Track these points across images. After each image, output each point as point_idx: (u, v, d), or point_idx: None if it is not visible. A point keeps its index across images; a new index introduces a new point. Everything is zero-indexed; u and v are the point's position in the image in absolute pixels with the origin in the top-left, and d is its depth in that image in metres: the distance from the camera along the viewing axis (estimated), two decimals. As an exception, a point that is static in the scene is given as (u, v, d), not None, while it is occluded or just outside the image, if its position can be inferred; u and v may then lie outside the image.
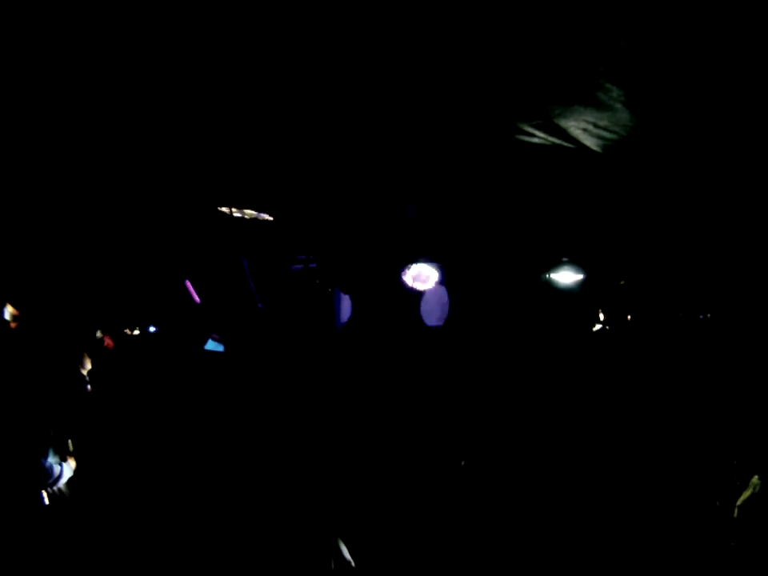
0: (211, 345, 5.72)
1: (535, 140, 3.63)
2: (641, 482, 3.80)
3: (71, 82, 3.00)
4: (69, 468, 3.42)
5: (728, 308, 5.45)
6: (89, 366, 4.78)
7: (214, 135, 3.90)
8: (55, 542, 3.13)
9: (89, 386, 4.86)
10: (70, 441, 3.68)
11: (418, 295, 6.22)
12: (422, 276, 6.60)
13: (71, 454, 3.60)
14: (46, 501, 3.22)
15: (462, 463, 4.10)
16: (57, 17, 2.37)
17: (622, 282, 5.59)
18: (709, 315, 5.61)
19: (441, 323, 5.82)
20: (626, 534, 3.36)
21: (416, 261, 6.24)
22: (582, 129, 3.17)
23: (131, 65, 2.81)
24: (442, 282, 6.35)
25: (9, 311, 5.75)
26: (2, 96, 3.12)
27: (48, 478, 3.28)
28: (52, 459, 3.30)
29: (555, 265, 5.60)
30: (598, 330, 5.84)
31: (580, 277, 5.60)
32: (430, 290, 6.41)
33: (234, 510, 3.09)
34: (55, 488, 3.29)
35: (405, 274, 6.50)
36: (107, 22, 2.43)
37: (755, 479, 2.50)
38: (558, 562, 3.28)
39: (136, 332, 6.41)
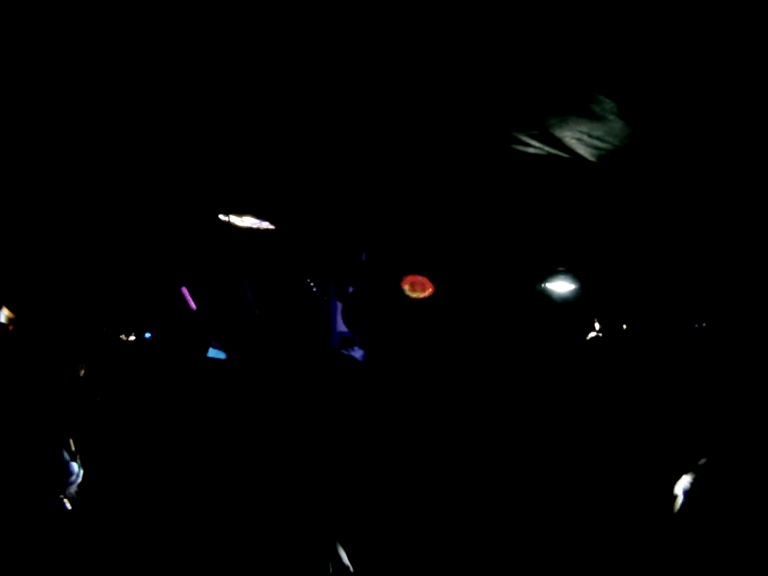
0: (212, 352, 5.72)
1: (531, 150, 3.67)
2: (637, 487, 3.81)
3: (73, 85, 3.02)
4: (80, 467, 3.44)
5: (723, 317, 5.47)
6: (83, 370, 4.79)
7: (215, 142, 3.92)
8: (66, 545, 3.13)
9: (84, 390, 4.86)
10: (72, 441, 3.70)
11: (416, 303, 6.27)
12: (417, 284, 6.64)
13: (76, 454, 3.62)
14: (68, 505, 3.22)
15: (459, 468, 4.11)
16: (57, 17, 2.38)
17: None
18: (704, 324, 5.64)
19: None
20: (624, 536, 3.35)
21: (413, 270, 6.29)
22: (577, 138, 3.20)
23: (133, 70, 2.83)
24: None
25: (5, 314, 5.75)
26: (3, 98, 3.14)
27: (69, 476, 3.29)
28: (68, 458, 3.32)
29: (550, 274, 5.63)
30: (592, 339, 5.85)
31: (574, 286, 5.63)
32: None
33: (233, 514, 3.09)
34: (72, 489, 3.29)
35: (402, 283, 6.54)
36: (108, 24, 2.45)
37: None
38: (559, 562, 3.28)
39: (132, 338, 6.42)
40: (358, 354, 5.73)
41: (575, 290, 5.52)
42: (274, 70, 2.82)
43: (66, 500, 3.26)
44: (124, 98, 3.21)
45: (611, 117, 2.86)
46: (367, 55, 2.62)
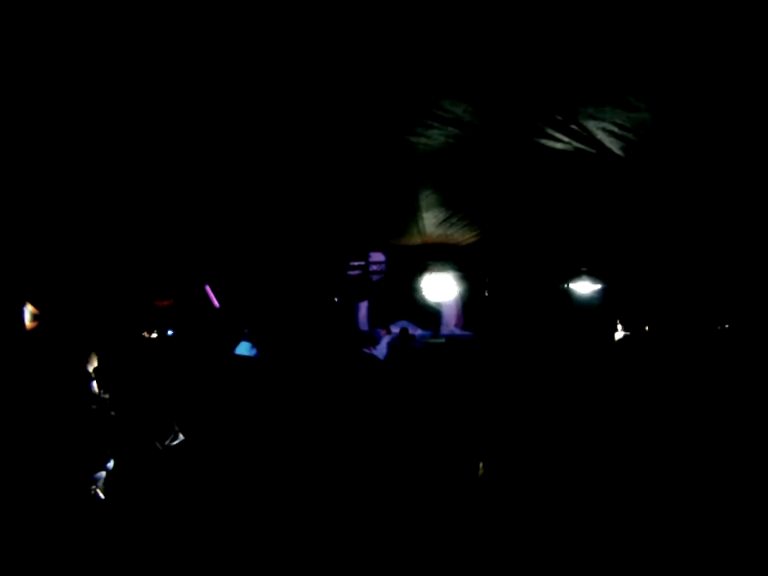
0: (243, 348, 5.74)
1: (558, 146, 3.70)
2: (658, 489, 3.77)
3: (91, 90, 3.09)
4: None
5: (745, 319, 5.44)
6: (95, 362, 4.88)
7: (236, 141, 3.98)
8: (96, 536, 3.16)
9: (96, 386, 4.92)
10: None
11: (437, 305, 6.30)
12: (440, 286, 6.65)
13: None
14: (101, 495, 3.27)
15: (480, 467, 4.09)
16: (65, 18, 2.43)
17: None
18: (726, 326, 5.61)
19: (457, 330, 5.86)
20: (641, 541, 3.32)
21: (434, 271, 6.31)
22: (607, 131, 3.24)
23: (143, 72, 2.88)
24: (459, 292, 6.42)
25: (29, 310, 5.82)
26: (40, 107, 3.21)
27: (103, 466, 3.37)
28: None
29: (574, 275, 5.62)
30: (616, 341, 5.83)
31: (598, 287, 5.62)
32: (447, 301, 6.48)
33: (243, 510, 3.12)
34: (101, 480, 3.36)
35: (422, 285, 6.56)
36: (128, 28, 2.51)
37: None
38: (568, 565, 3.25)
39: (154, 335, 6.47)
40: (379, 353, 5.75)
41: (597, 290, 5.51)
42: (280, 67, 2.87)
43: (98, 490, 3.30)
44: (151, 104, 3.29)
45: (643, 107, 2.90)
46: (374, 41, 2.64)
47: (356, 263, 6.84)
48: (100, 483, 3.45)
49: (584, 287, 5.58)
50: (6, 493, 3.15)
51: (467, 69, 2.79)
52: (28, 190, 4.94)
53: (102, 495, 3.36)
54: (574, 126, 3.25)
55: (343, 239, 6.30)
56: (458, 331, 6.61)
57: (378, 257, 7.47)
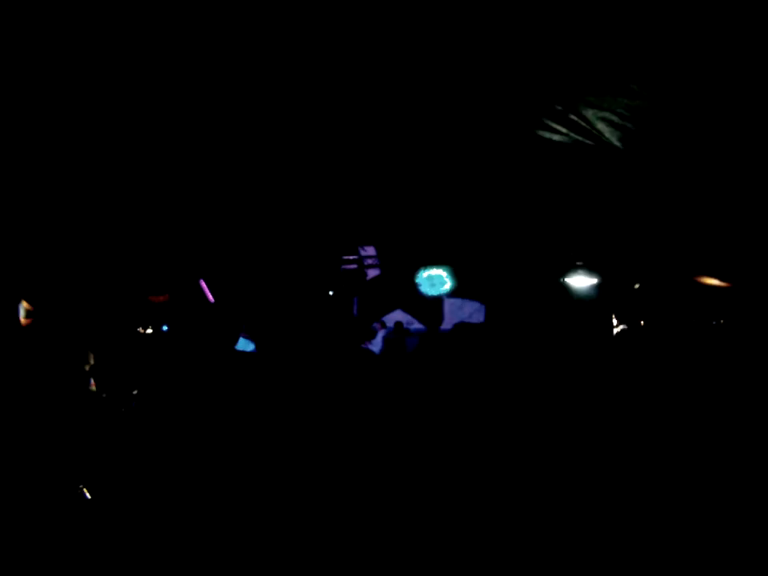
0: (240, 344, 5.70)
1: (556, 137, 3.69)
2: (652, 486, 3.78)
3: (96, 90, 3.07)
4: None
5: (742, 314, 5.45)
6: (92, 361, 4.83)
7: (230, 133, 3.97)
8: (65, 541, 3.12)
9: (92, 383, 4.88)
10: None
11: (433, 299, 6.31)
12: (437, 280, 6.67)
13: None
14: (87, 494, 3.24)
15: (468, 463, 4.08)
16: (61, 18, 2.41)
17: (637, 286, 5.56)
18: (722, 321, 5.61)
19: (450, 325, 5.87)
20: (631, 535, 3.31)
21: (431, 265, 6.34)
22: (606, 120, 3.23)
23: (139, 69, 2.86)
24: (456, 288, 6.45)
25: (24, 307, 5.77)
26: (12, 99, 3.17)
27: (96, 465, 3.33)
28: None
29: (570, 268, 5.63)
30: (611, 334, 5.84)
31: (594, 281, 5.62)
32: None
33: (237, 509, 3.09)
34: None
35: (420, 278, 6.60)
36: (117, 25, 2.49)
37: None
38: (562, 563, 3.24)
39: (149, 330, 6.43)
40: (376, 347, 5.75)
41: (594, 284, 5.50)
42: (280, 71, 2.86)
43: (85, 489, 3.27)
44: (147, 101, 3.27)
45: (644, 96, 2.89)
46: (373, 39, 2.64)
47: (350, 257, 6.87)
48: (90, 481, 3.41)
49: (580, 281, 5.58)
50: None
51: (473, 62, 2.78)
52: (24, 186, 4.91)
53: (89, 494, 3.32)
54: (573, 117, 3.23)
55: (337, 233, 6.31)
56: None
57: (370, 250, 7.49)
